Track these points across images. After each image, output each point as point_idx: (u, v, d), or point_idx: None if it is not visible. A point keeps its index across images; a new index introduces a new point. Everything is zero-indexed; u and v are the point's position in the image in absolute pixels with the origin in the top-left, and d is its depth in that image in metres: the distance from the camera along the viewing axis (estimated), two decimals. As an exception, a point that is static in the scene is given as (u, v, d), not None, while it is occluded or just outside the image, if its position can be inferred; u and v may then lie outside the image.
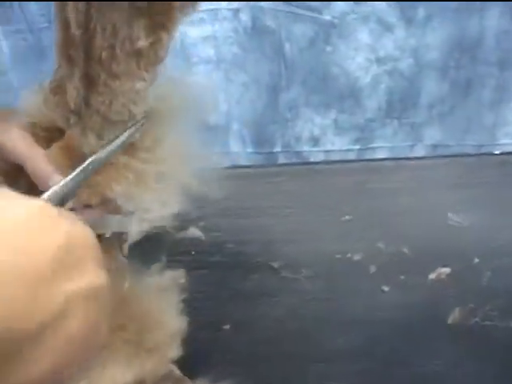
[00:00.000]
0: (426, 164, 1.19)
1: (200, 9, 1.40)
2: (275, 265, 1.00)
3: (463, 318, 0.96)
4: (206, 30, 1.44)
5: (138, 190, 0.72)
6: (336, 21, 1.41)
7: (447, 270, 0.99)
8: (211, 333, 0.92)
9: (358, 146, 1.47)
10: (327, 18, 1.40)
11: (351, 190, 1.15)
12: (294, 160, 1.49)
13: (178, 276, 0.83)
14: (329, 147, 1.48)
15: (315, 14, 1.41)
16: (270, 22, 1.43)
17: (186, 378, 0.83)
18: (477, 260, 1.00)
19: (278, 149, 1.49)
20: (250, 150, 1.49)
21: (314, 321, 0.93)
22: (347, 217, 1.09)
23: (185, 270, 1.00)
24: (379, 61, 1.42)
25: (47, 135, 0.69)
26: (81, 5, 0.63)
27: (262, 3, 1.41)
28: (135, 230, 0.73)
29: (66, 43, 0.65)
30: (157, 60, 0.67)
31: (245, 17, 1.43)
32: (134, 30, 0.64)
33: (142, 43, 0.64)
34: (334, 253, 1.02)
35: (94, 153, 0.68)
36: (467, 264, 0.99)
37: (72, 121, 0.68)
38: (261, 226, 1.08)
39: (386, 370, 0.92)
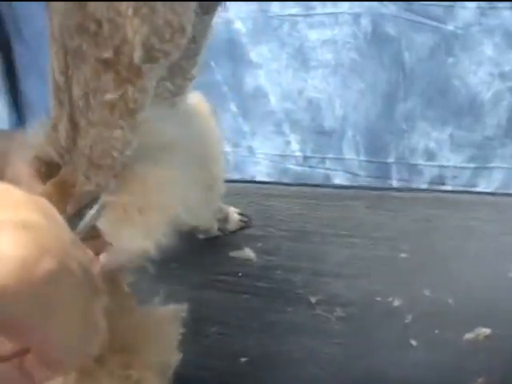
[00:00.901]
0: (509, 202, 1.08)
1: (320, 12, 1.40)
2: (313, 299, 0.99)
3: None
4: (326, 33, 1.43)
5: (123, 224, 0.75)
6: (459, 32, 1.31)
7: (487, 330, 0.90)
8: (227, 364, 0.93)
9: (473, 165, 1.38)
10: (450, 28, 1.31)
11: (417, 224, 1.08)
12: (406, 173, 1.44)
13: (179, 310, 0.86)
14: (444, 163, 1.40)
15: (438, 24, 1.32)
16: (390, 29, 1.37)
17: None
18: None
19: (391, 159, 1.44)
20: (363, 158, 1.46)
21: (334, 367, 0.91)
22: (403, 254, 1.04)
23: (225, 292, 1.04)
24: (503, 76, 1.30)
25: (47, 170, 0.75)
26: (61, 53, 0.67)
27: (384, 10, 1.36)
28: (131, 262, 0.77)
29: (55, 87, 0.70)
30: (129, 111, 0.68)
31: (365, 22, 1.38)
32: (103, 83, 0.66)
33: (111, 96, 0.66)
34: (376, 294, 0.98)
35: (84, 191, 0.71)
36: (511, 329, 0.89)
37: (65, 158, 0.72)
38: (315, 255, 1.06)
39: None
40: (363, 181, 1.46)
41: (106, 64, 0.65)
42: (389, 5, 1.35)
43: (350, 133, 1.46)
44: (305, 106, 1.48)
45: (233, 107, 1.54)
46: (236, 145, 1.56)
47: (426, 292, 0.99)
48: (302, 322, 0.97)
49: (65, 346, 0.43)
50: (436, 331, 0.93)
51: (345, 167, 1.48)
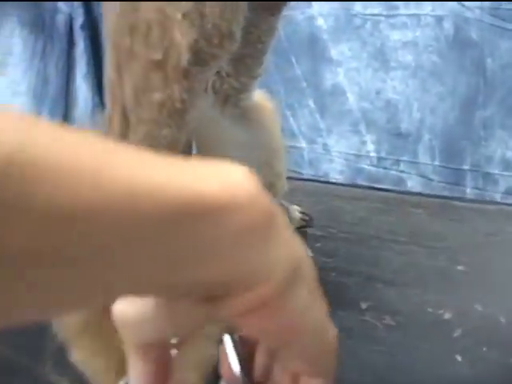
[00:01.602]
0: None
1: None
2: (364, 305, 0.99)
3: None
4: (407, 35, 1.41)
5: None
6: (545, 39, 1.27)
7: (537, 355, 0.88)
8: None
9: (551, 178, 1.34)
10: (536, 35, 1.27)
11: (480, 237, 1.06)
12: (480, 181, 1.40)
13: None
14: (521, 173, 1.37)
15: (524, 30, 1.28)
16: (473, 34, 1.34)
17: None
18: None
19: (466, 166, 1.41)
20: (437, 163, 1.44)
21: (375, 375, 0.91)
22: (461, 267, 1.02)
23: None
24: None
25: None
26: (114, 51, 0.71)
27: (468, 13, 1.33)
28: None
29: (110, 82, 0.73)
30: (177, 111, 0.70)
31: (447, 25, 1.36)
32: (152, 82, 0.69)
33: (159, 95, 0.68)
34: (428, 305, 0.97)
35: None
36: None
37: None
38: (371, 260, 1.06)
39: None
40: (436, 186, 1.44)
41: (156, 64, 0.68)
42: (473, 8, 1.32)
43: (426, 136, 1.44)
44: (382, 106, 1.47)
45: (310, 103, 1.55)
46: (311, 141, 1.57)
47: (478, 307, 0.98)
48: (350, 327, 0.97)
49: None
50: (484, 349, 0.92)
51: (419, 171, 1.46)
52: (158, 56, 0.68)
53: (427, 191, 1.42)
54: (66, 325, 0.75)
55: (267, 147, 1.05)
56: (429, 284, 1.03)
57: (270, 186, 1.08)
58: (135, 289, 0.32)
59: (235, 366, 0.44)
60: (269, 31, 0.96)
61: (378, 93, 1.47)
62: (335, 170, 1.56)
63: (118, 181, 0.28)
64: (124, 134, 0.73)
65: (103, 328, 0.71)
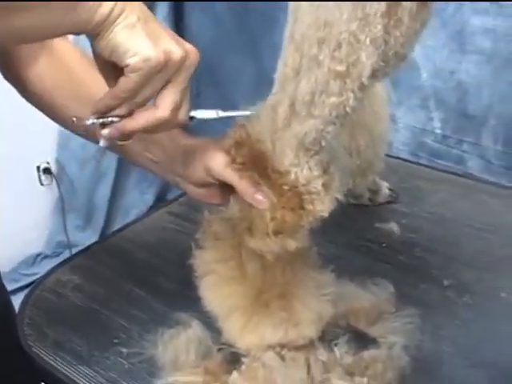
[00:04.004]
0: None
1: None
2: (446, 282, 1.07)
3: None
4: (488, 21, 1.46)
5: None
6: None
7: None
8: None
9: None
10: None
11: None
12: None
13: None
14: None
15: None
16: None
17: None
18: None
19: (528, 155, 1.49)
20: (500, 147, 1.52)
21: (452, 346, 0.98)
22: (540, 253, 1.11)
23: (368, 258, 1.14)
24: None
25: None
26: (297, 55, 0.79)
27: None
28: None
29: (283, 77, 0.82)
30: (345, 114, 0.78)
31: (529, 17, 1.41)
32: (331, 88, 0.78)
33: (334, 99, 0.77)
34: (501, 290, 1.06)
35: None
36: None
37: (277, 135, 0.83)
38: (453, 242, 1.14)
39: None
40: (496, 170, 1.51)
41: (337, 74, 0.77)
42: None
43: (492, 121, 1.51)
44: (453, 86, 1.53)
45: (384, 75, 1.60)
46: (380, 111, 1.63)
47: (548, 296, 1.06)
48: (432, 300, 1.03)
49: None
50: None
51: (480, 153, 1.53)
52: (341, 68, 0.76)
53: (486, 174, 1.50)
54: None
55: (373, 129, 1.13)
56: (502, 271, 1.11)
57: (369, 165, 1.17)
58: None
59: None
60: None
61: (451, 73, 1.53)
62: (399, 141, 1.63)
63: None
64: (288, 120, 0.82)
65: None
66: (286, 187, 0.82)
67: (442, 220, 1.22)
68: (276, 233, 0.82)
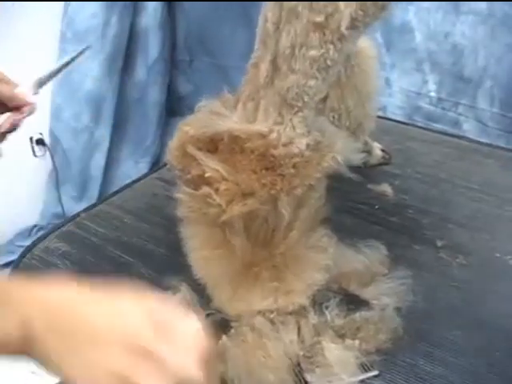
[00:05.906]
0: None
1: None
2: (439, 243, 1.06)
3: None
4: (483, -19, 1.43)
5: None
6: None
7: None
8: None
9: None
10: None
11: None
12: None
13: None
14: None
15: None
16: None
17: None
18: None
19: (525, 117, 1.47)
20: (496, 110, 1.50)
21: (447, 307, 0.98)
22: (531, 219, 1.10)
23: (360, 220, 1.13)
24: None
25: None
26: (277, 8, 0.78)
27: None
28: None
29: (264, 33, 0.80)
30: (326, 67, 0.77)
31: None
32: (310, 40, 0.77)
33: (314, 52, 0.76)
34: (495, 251, 1.05)
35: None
36: None
37: (260, 94, 0.82)
38: (445, 202, 1.13)
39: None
40: (492, 132, 1.50)
41: (316, 26, 0.76)
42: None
43: (488, 83, 1.49)
44: (448, 49, 1.50)
45: (378, 37, 1.58)
46: (374, 74, 1.61)
47: (543, 256, 1.05)
48: (425, 261, 1.02)
49: None
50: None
51: (476, 116, 1.52)
52: (320, 19, 0.75)
53: (482, 136, 1.49)
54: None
55: (361, 89, 1.11)
56: (497, 231, 1.10)
57: (358, 126, 1.15)
58: None
59: None
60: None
61: (446, 36, 1.51)
62: (394, 105, 1.62)
63: None
64: (271, 79, 0.81)
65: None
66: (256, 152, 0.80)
67: (436, 181, 1.21)
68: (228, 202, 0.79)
